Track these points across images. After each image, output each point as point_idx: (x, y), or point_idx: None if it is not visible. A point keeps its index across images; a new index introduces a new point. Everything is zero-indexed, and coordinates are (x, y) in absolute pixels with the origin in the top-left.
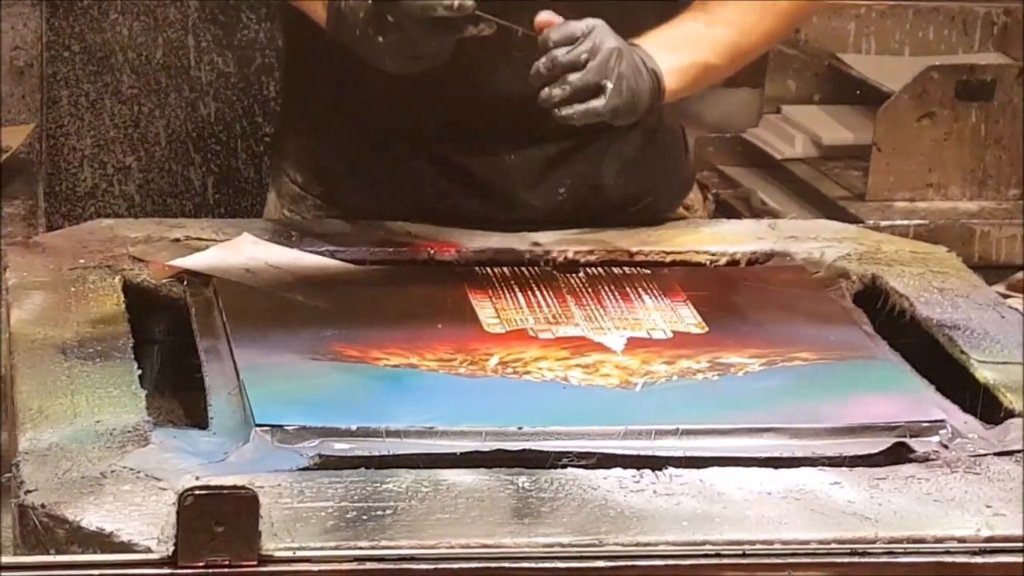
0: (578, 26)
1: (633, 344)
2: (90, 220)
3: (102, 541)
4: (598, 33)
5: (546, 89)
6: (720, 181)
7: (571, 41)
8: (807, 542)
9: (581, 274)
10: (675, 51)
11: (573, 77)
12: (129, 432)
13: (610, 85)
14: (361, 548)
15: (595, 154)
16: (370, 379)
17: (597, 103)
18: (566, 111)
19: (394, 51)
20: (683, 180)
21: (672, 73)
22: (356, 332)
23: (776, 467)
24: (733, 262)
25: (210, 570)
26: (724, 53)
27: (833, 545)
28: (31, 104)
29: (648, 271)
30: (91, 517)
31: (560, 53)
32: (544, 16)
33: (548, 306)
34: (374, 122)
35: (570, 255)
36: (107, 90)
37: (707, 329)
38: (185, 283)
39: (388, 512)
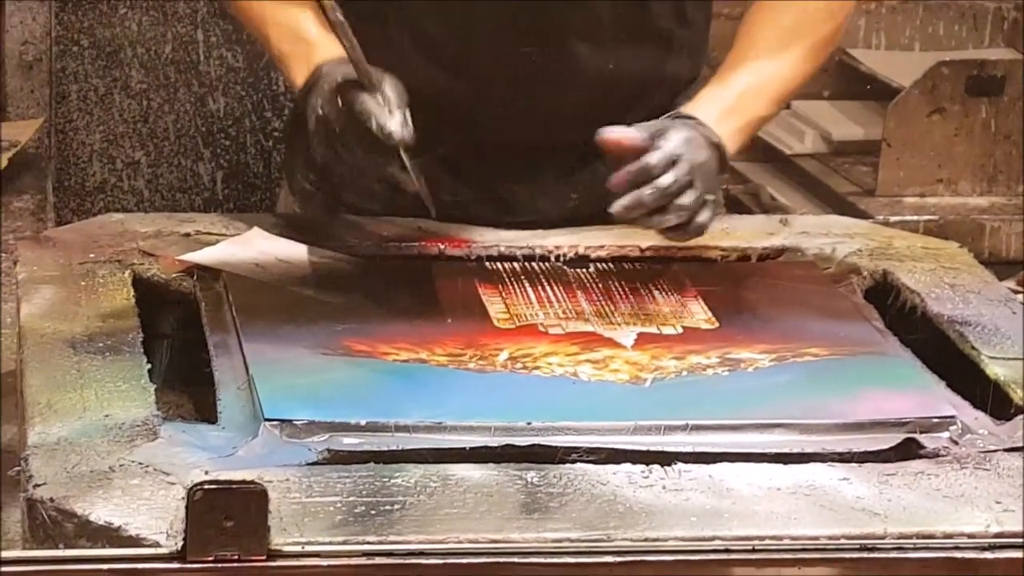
0: (673, 146)
1: (643, 339)
2: (99, 215)
3: (111, 535)
4: (688, 148)
5: (657, 217)
6: (730, 176)
7: (671, 164)
8: (816, 538)
9: (591, 269)
10: (734, 114)
11: (685, 200)
12: (138, 426)
13: (711, 197)
14: (369, 543)
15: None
16: (379, 374)
17: (703, 219)
18: (678, 234)
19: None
20: None
21: (733, 136)
22: (366, 327)
23: (785, 463)
24: (744, 258)
25: (219, 564)
26: (774, 102)
27: (842, 541)
28: (40, 99)
29: (659, 266)
30: (100, 511)
31: (666, 181)
32: (614, 134)
33: (558, 301)
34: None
35: (580, 250)
36: (116, 85)
37: (717, 325)
38: (195, 278)
39: (397, 507)
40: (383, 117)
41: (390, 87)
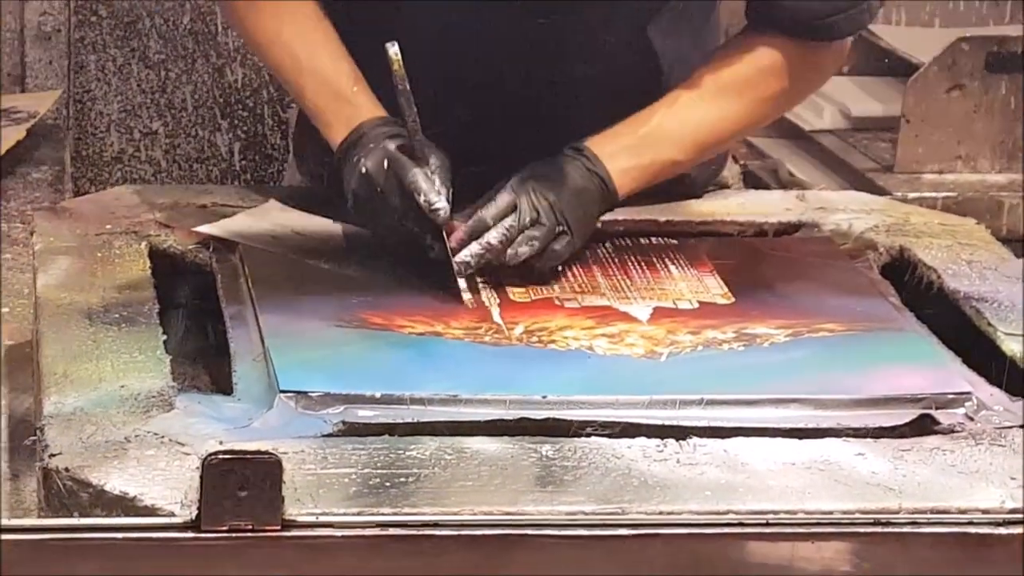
0: (507, 198)
1: (659, 314)
2: (116, 186)
3: (126, 505)
4: (532, 191)
5: (510, 251)
6: (748, 152)
7: (508, 212)
8: (831, 512)
9: (607, 244)
10: (634, 152)
11: (535, 233)
12: (153, 397)
13: (561, 229)
14: (384, 514)
15: None
16: (395, 347)
17: (557, 247)
18: (541, 263)
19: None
20: (717, 159)
21: (627, 174)
22: (381, 300)
23: (800, 438)
24: (761, 233)
25: (233, 534)
26: (692, 149)
27: (857, 515)
28: (58, 70)
29: (675, 241)
30: (115, 481)
31: (495, 236)
32: (455, 227)
33: (574, 275)
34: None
35: (596, 225)
36: (134, 55)
37: (733, 300)
38: (211, 249)
39: (411, 479)
40: (432, 194)
41: (437, 161)
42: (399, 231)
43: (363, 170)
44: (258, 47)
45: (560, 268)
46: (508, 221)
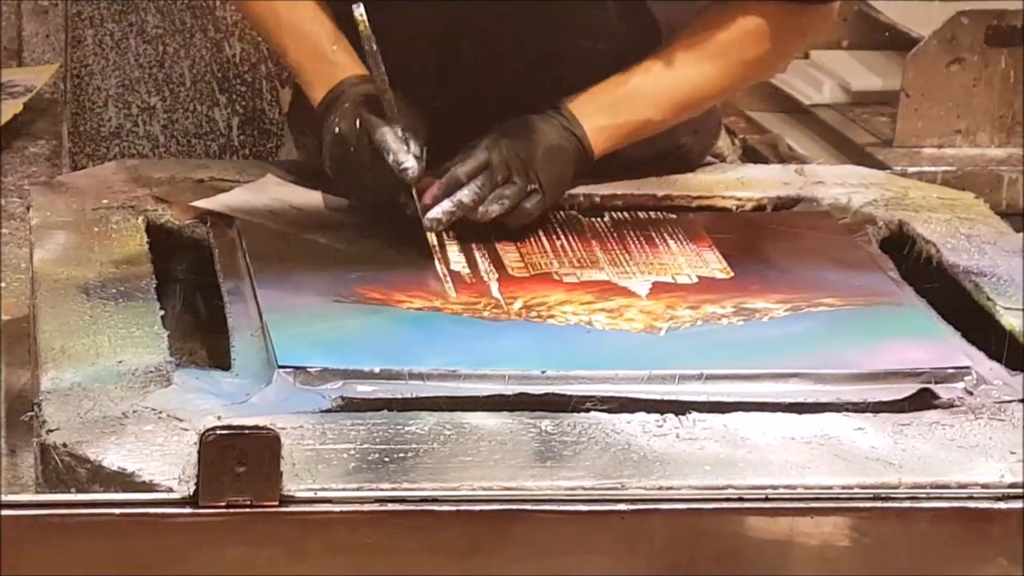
0: (480, 155)
1: (658, 289)
2: (114, 160)
3: (123, 481)
4: (505, 148)
5: (481, 208)
6: (747, 126)
7: (480, 170)
8: (830, 487)
9: (606, 218)
10: (611, 111)
11: (507, 191)
12: (151, 372)
13: (534, 187)
14: (383, 490)
15: None
16: (394, 322)
17: (528, 206)
18: (511, 220)
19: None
20: (711, 129)
21: (603, 132)
22: (380, 275)
23: (800, 412)
24: (759, 207)
25: (231, 510)
26: (669, 109)
27: (856, 490)
28: (56, 44)
29: (674, 216)
30: (113, 457)
31: (467, 195)
32: (428, 184)
33: (573, 250)
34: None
35: (596, 200)
36: (132, 30)
37: (732, 274)
38: (208, 224)
39: (410, 454)
40: (401, 153)
41: (411, 121)
42: (373, 191)
43: (336, 130)
44: (242, 5)
45: (558, 243)
46: (480, 179)
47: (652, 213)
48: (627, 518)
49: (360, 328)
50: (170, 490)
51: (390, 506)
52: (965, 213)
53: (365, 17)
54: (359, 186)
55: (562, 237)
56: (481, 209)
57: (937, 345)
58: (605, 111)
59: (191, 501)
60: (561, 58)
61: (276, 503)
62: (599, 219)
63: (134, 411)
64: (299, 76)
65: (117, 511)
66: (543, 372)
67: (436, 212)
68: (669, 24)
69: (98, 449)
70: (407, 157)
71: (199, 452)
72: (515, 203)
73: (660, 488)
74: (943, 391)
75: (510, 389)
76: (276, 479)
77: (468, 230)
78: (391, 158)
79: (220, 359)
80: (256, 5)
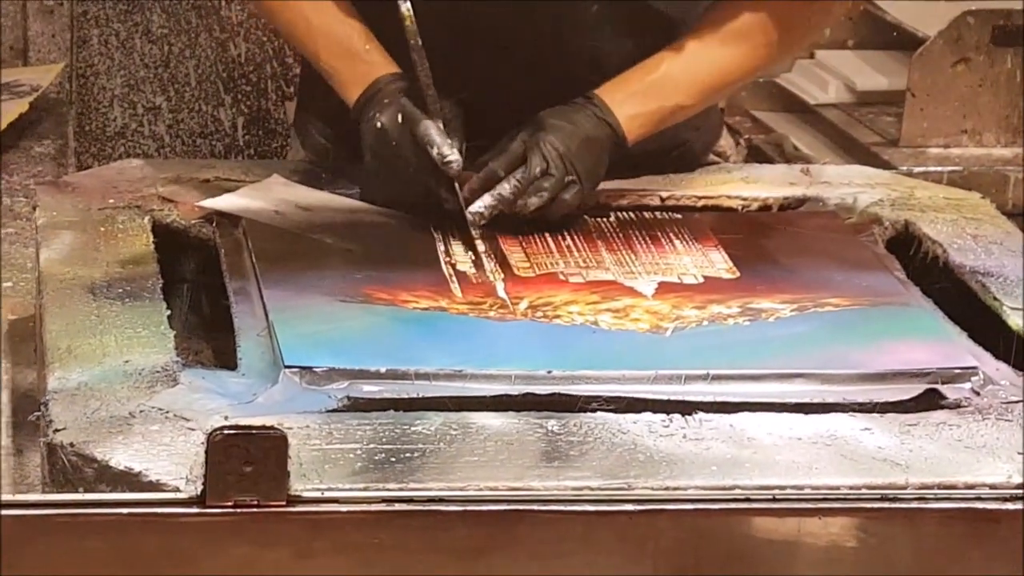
0: (516, 147)
1: (664, 289)
2: (120, 160)
3: (130, 480)
4: (543, 140)
5: (520, 201)
6: (753, 126)
7: (516, 163)
8: (837, 487)
9: (612, 218)
10: (642, 98)
11: (545, 184)
12: (158, 372)
13: (571, 178)
14: (389, 490)
15: None
16: (400, 322)
17: (567, 196)
18: (551, 212)
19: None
20: (712, 126)
21: (635, 120)
22: (386, 275)
23: (806, 412)
24: (765, 207)
25: (238, 510)
26: (698, 94)
27: (863, 491)
28: (61, 43)
29: (679, 216)
30: (120, 456)
31: (520, 173)
32: (467, 179)
33: (579, 250)
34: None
35: (601, 199)
36: (137, 29)
37: (738, 274)
38: (214, 224)
39: (417, 454)
40: (444, 147)
41: (450, 114)
42: (414, 186)
43: (378, 125)
44: (269, 12)
45: (564, 243)
46: (519, 172)
47: (658, 213)
48: (634, 518)
49: (366, 328)
50: (177, 490)
51: (397, 506)
52: (971, 213)
53: (412, 12)
54: (399, 181)
55: (568, 237)
56: (520, 202)
57: (944, 345)
58: (637, 98)
59: (198, 501)
60: (575, 56)
61: (283, 503)
62: (605, 219)
63: (141, 411)
64: (333, 78)
65: (124, 511)
66: (549, 372)
67: (478, 206)
68: (686, 23)
69: (105, 449)
70: (451, 151)
71: (206, 452)
72: (554, 195)
73: (667, 488)
74: (950, 391)
75: (516, 389)
76: (283, 479)
77: (531, 226)
78: (435, 151)
79: (226, 359)
80: (284, 11)
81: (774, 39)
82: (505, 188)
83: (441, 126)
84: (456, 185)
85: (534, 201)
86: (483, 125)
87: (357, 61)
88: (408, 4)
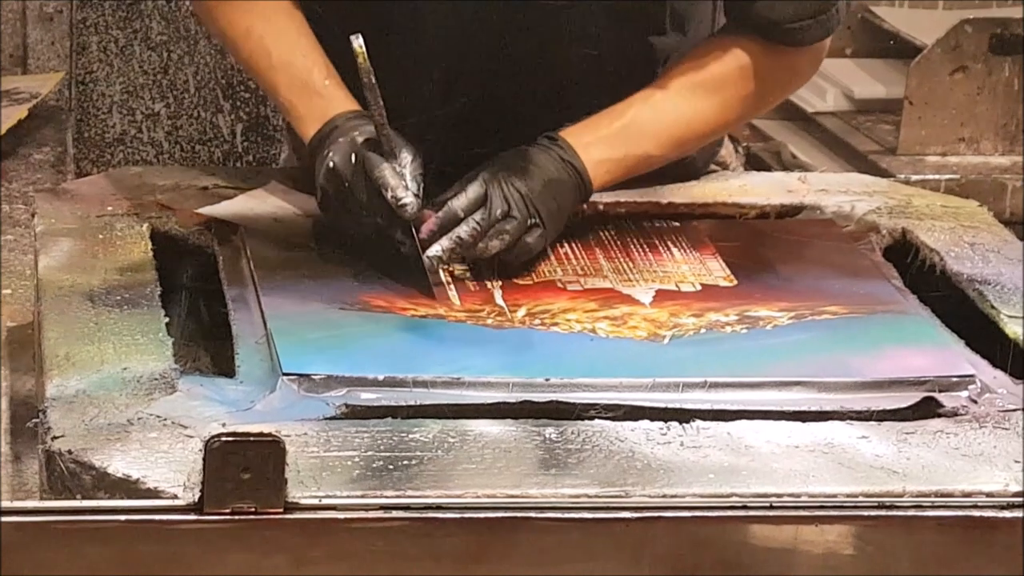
0: (475, 190)
1: (661, 297)
2: (119, 166)
3: (128, 488)
4: (503, 183)
5: (481, 244)
6: (751, 134)
7: (478, 205)
8: (834, 495)
9: (610, 226)
10: (610, 144)
11: (507, 227)
12: (156, 379)
13: (534, 221)
14: (387, 497)
15: None
16: (398, 329)
17: (530, 240)
18: (512, 256)
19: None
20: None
21: (602, 165)
22: (384, 282)
23: (804, 420)
24: (763, 215)
25: (236, 517)
26: (667, 144)
27: (860, 499)
28: (60, 51)
29: (677, 224)
30: (117, 464)
31: (465, 231)
32: (426, 218)
33: (577, 258)
34: (391, 88)
35: (599, 207)
36: (136, 37)
37: (736, 282)
38: (213, 231)
39: (415, 462)
40: (399, 190)
41: (408, 156)
42: (367, 226)
43: (330, 164)
44: (230, 43)
45: (562, 250)
46: (479, 214)
47: (655, 221)
48: (631, 526)
49: (364, 335)
50: (175, 497)
51: (394, 513)
52: (969, 221)
53: (364, 49)
54: (353, 223)
55: (566, 245)
56: (481, 245)
57: (941, 353)
58: (604, 143)
59: (196, 508)
60: (567, 71)
61: (280, 510)
62: (603, 227)
63: (139, 418)
64: (290, 113)
65: (122, 518)
66: (547, 380)
67: (435, 250)
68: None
69: (103, 456)
70: (406, 194)
71: (204, 459)
72: (516, 238)
73: (664, 496)
74: (947, 399)
75: (514, 397)
76: (280, 486)
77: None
78: (389, 194)
79: (224, 366)
80: (246, 44)
81: (744, 94)
82: (464, 230)
83: (397, 167)
84: (412, 228)
85: (495, 244)
86: (476, 136)
87: (315, 97)
88: (360, 41)
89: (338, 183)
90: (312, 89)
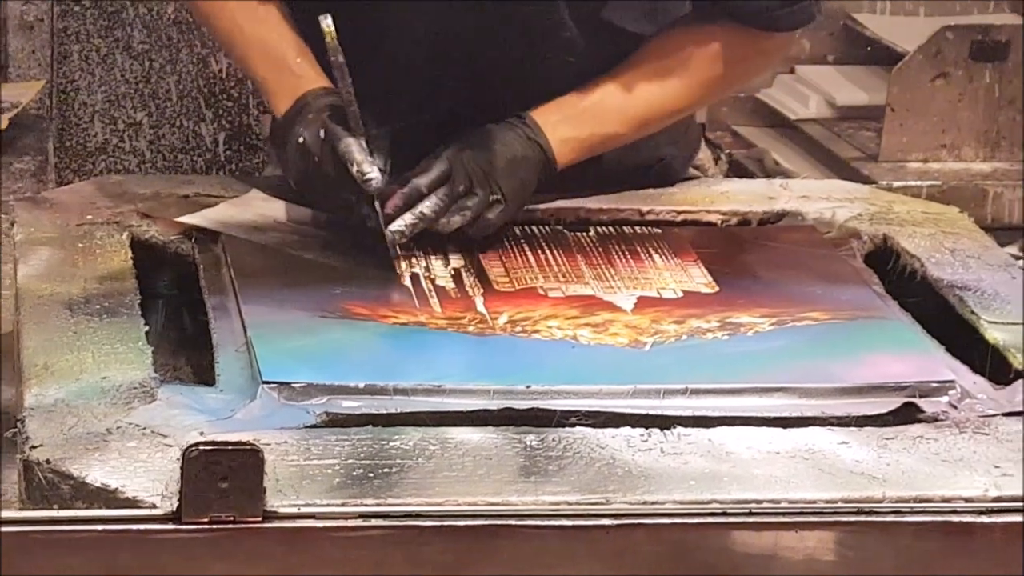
0: (440, 167)
1: (643, 303)
2: (99, 176)
3: (107, 497)
4: (467, 160)
5: (443, 220)
6: (734, 141)
7: (441, 181)
8: (814, 501)
9: (591, 233)
10: (576, 122)
11: (468, 203)
12: (135, 388)
13: (497, 197)
14: (367, 505)
15: None
16: (378, 337)
17: (491, 216)
18: (474, 231)
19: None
20: (690, 141)
21: (567, 143)
22: (365, 290)
23: (784, 427)
24: (744, 222)
25: (215, 526)
26: (633, 123)
27: (840, 504)
28: (42, 59)
29: (659, 230)
30: (96, 473)
31: (443, 191)
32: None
33: (558, 265)
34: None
35: (581, 214)
36: (118, 45)
37: (717, 289)
38: (193, 240)
39: (395, 470)
40: (365, 164)
41: (374, 131)
42: (336, 201)
43: (300, 140)
44: (205, 18)
45: (543, 257)
46: (442, 191)
47: (637, 228)
48: (612, 533)
49: (345, 343)
50: (153, 506)
51: (374, 521)
52: (949, 227)
53: (333, 28)
54: (322, 197)
55: (547, 252)
56: (443, 220)
57: (921, 359)
58: (571, 122)
59: (174, 517)
60: (545, 76)
61: (259, 519)
62: (584, 233)
63: (118, 427)
64: (263, 88)
65: (100, 527)
66: (528, 387)
67: (398, 224)
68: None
69: (81, 465)
70: (371, 168)
71: (182, 468)
72: (477, 214)
73: (645, 503)
74: (927, 405)
75: (495, 404)
76: (259, 495)
77: (454, 243)
78: (355, 169)
79: (205, 375)
80: (221, 20)
81: (711, 76)
82: (427, 206)
83: (364, 143)
84: (376, 203)
85: (456, 220)
86: (447, 136)
87: (286, 73)
88: (329, 20)
89: (307, 158)
90: (284, 65)
